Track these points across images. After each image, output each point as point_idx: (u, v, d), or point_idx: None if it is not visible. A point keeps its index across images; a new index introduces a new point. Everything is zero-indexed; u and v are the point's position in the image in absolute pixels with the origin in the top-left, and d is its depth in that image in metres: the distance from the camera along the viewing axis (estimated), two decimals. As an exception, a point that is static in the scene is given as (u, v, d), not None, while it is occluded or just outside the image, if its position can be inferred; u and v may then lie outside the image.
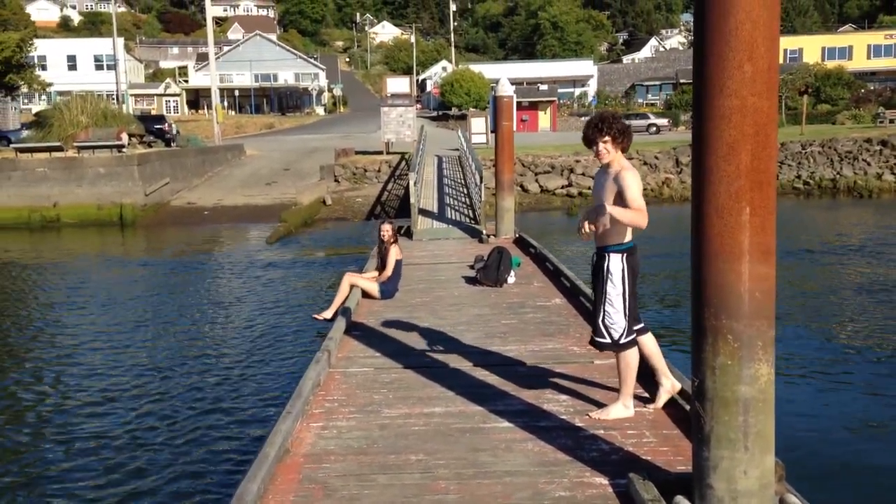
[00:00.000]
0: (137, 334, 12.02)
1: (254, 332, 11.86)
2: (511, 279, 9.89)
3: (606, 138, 4.82)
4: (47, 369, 10.35)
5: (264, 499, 4.09)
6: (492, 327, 7.70)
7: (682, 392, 5.16)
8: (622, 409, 5.05)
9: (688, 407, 4.86)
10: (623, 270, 4.85)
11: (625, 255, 4.86)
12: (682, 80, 70.50)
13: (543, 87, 62.78)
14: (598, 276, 4.94)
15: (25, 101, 49.10)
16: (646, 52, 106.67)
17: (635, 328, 4.99)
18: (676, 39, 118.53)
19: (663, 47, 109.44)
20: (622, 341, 4.90)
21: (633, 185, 4.67)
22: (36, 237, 24.78)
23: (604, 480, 4.15)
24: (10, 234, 24.78)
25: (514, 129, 16.09)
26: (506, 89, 14.35)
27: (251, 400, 8.79)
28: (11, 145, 31.26)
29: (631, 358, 4.97)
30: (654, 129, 48.20)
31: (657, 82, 78.73)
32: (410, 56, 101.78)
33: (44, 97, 55.78)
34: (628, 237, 4.90)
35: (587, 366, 6.28)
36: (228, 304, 14.19)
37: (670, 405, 5.20)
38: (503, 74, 18.88)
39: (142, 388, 9.31)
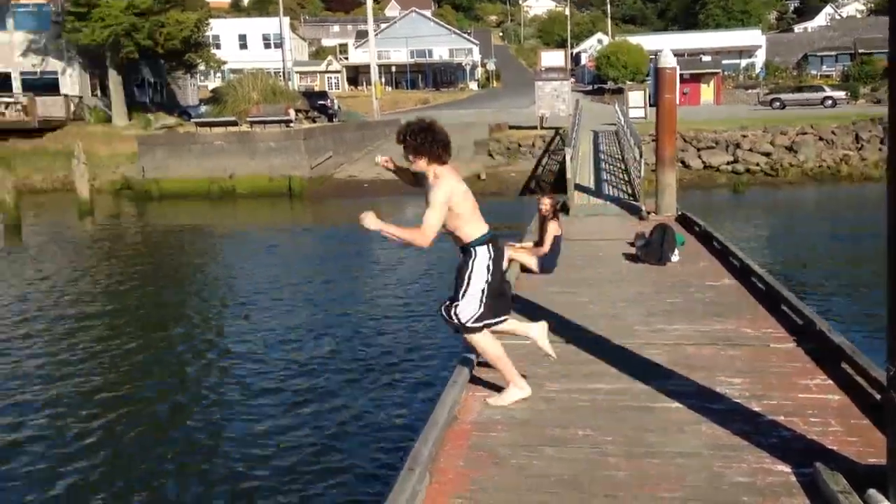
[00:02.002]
0: (305, 298, 12.66)
1: (412, 303, 12.19)
2: (675, 257, 9.60)
3: (409, 152, 4.67)
4: (225, 326, 11.12)
5: (436, 461, 4.23)
6: (656, 305, 7.52)
7: (873, 380, 4.84)
8: (517, 391, 5.04)
9: (878, 396, 4.57)
10: (488, 264, 4.79)
11: (488, 245, 4.79)
12: (861, 51, 65.26)
13: (706, 59, 60.05)
14: (462, 269, 4.85)
15: (202, 78, 52.45)
16: (819, 20, 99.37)
17: (490, 321, 4.87)
18: (854, 7, 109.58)
19: (839, 15, 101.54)
20: (468, 325, 4.79)
21: (435, 199, 4.55)
22: (215, 206, 26.56)
23: (786, 468, 3.98)
24: (193, 202, 26.71)
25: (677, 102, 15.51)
26: (668, 60, 13.86)
27: (413, 365, 9.06)
28: (192, 120, 33.60)
29: (483, 342, 4.88)
30: (830, 102, 45.04)
31: (832, 52, 73.34)
32: (564, 29, 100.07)
33: (218, 74, 59.37)
34: (483, 228, 4.81)
35: (761, 349, 6.01)
36: (388, 272, 14.66)
37: (860, 395, 4.89)
38: (663, 46, 18.21)
39: (314, 350, 9.82)
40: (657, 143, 14.39)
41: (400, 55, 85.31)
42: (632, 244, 10.22)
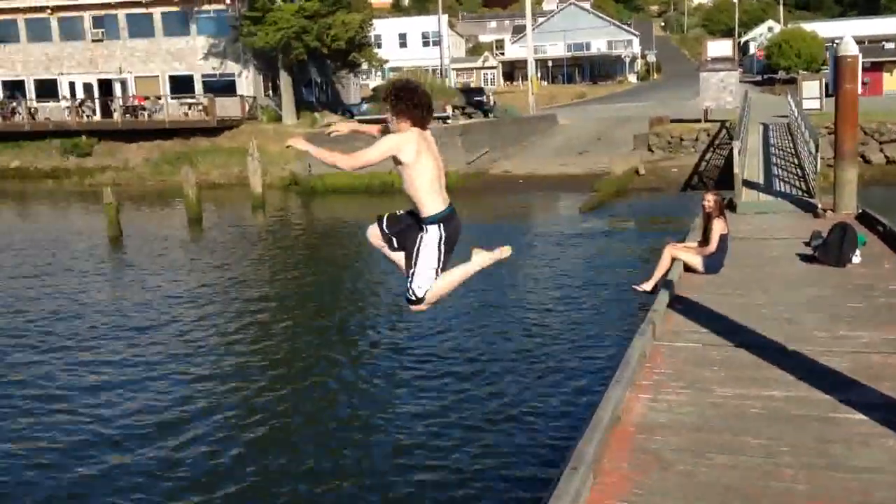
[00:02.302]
0: (462, 291, 12.82)
1: (571, 298, 12.07)
2: (856, 259, 8.93)
3: (393, 112, 4.54)
4: (382, 316, 11.47)
5: (600, 462, 4.16)
6: (836, 310, 7.03)
7: None
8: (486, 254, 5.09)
9: None
10: (440, 240, 4.71)
11: (441, 224, 4.66)
12: None
13: (889, 46, 55.38)
14: (415, 247, 4.74)
15: (364, 77, 54.28)
16: None
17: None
18: None
19: None
20: (423, 297, 4.79)
21: (384, 139, 4.47)
22: (374, 201, 27.45)
23: None
24: (354, 197, 27.75)
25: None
26: (850, 48, 12.90)
27: (573, 365, 8.98)
28: (355, 118, 34.90)
29: (438, 293, 4.90)
30: None
31: None
32: (732, 17, 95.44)
33: (378, 73, 61.26)
34: (437, 207, 4.59)
35: (959, 362, 5.49)
36: (543, 270, 14.59)
37: None
38: (842, 32, 16.96)
39: (471, 342, 9.94)
40: (836, 136, 13.43)
41: (557, 49, 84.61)
42: (807, 244, 9.61)
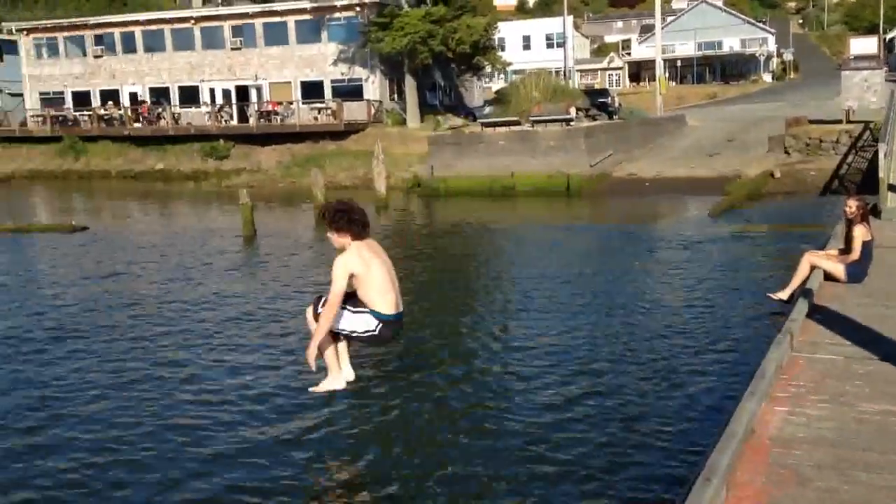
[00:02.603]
0: (584, 295, 12.67)
1: (699, 303, 11.69)
2: None
3: (332, 231, 5.70)
4: (505, 320, 11.49)
5: (734, 475, 4.02)
6: None
7: None
8: (332, 380, 6.08)
9: None
10: (369, 330, 5.69)
11: (381, 323, 5.67)
12: None
13: None
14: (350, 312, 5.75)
15: (486, 80, 54.53)
16: None
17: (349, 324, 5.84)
18: None
19: None
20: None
21: (334, 273, 5.58)
22: (495, 203, 27.57)
23: None
24: (475, 199, 27.95)
25: None
26: None
27: (701, 372, 8.69)
28: (478, 120, 35.13)
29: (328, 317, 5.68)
30: None
31: None
32: (876, 13, 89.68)
33: (501, 76, 61.39)
34: (386, 308, 5.71)
35: None
36: (670, 274, 14.20)
37: None
38: None
39: (594, 347, 9.81)
40: None
41: (686, 48, 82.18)
42: (963, 253, 8.93)
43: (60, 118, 45.50)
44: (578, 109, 34.72)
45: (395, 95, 43.13)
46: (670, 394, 8.11)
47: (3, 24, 51.56)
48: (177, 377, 9.11)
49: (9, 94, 49.98)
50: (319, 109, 41.78)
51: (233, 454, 6.96)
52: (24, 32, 47.67)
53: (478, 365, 9.51)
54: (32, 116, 46.73)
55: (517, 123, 31.40)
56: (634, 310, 11.66)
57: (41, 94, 47.55)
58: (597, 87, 66.09)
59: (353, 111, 40.67)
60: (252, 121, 41.59)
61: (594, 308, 11.93)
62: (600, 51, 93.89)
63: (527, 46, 76.05)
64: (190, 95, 44.73)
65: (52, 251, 19.18)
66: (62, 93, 47.14)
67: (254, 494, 6.25)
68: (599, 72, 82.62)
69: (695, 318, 10.95)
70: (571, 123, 30.70)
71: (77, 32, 46.85)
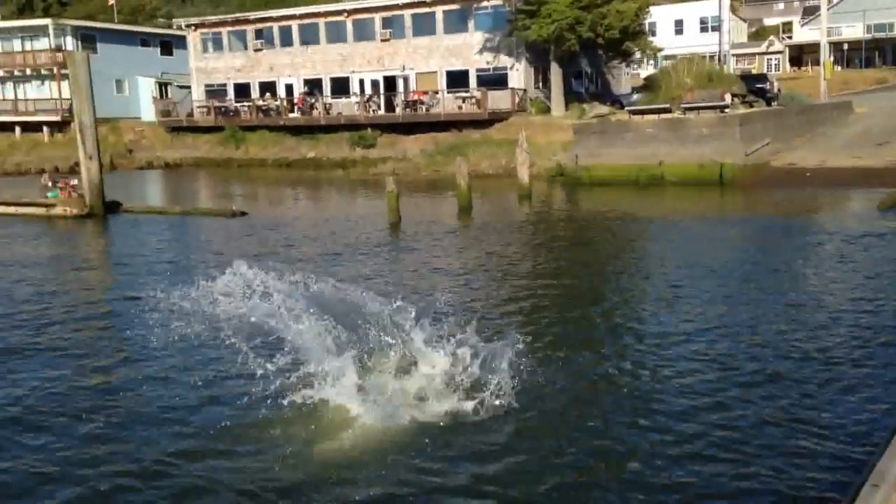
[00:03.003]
0: (734, 289, 12.07)
1: (865, 302, 10.88)
2: None
3: None
4: (648, 311, 11.12)
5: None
6: None
7: None
8: None
9: None
10: None
11: None
12: None
13: None
14: None
15: (635, 66, 53.02)
16: None
17: None
18: None
19: None
20: None
21: None
22: (642, 193, 26.80)
23: None
24: (620, 189, 27.29)
25: None
26: None
27: (865, 374, 8.09)
28: (625, 108, 34.26)
29: None
30: None
31: None
32: None
33: (650, 62, 59.56)
34: None
35: None
36: (833, 270, 13.29)
37: None
38: None
39: (750, 346, 9.34)
40: None
41: (854, 31, 76.53)
42: None
43: (223, 109, 48.34)
44: (734, 96, 33.08)
45: (540, 83, 42.80)
46: (830, 395, 7.61)
47: (174, 20, 55.36)
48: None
49: (178, 86, 53.66)
50: (464, 98, 42.10)
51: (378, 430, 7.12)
52: (192, 28, 50.92)
53: (622, 361, 9.26)
54: (198, 107, 49.90)
55: (667, 111, 30.36)
56: (795, 306, 11.01)
57: (206, 86, 50.66)
58: (754, 72, 62.82)
59: (497, 100, 40.70)
60: (398, 110, 42.53)
61: (750, 303, 11.36)
62: (758, 34, 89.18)
63: (679, 31, 73.31)
64: (341, 86, 46.31)
65: (214, 233, 20.41)
66: (225, 85, 50.02)
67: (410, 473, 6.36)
68: (757, 56, 78.48)
69: (862, 317, 10.19)
70: (726, 110, 29.33)
71: (239, 27, 49.54)
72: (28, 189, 28.16)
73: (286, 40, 47.95)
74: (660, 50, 45.25)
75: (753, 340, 9.51)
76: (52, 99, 50.48)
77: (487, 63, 42.40)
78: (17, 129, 51.09)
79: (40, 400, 8.30)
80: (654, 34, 54.50)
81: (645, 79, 45.72)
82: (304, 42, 47.38)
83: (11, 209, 24.55)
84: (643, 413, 7.48)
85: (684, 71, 36.14)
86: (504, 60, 41.93)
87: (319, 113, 44.94)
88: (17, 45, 52.77)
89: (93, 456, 6.96)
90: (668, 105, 31.26)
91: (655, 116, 29.75)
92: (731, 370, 8.49)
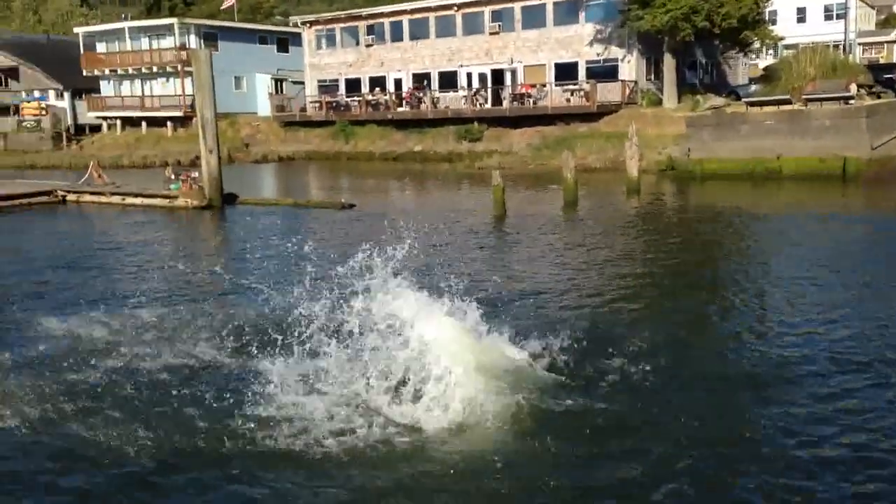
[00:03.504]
0: (848, 296, 11.46)
1: None
2: None
3: None
4: (756, 308, 10.68)
5: None
6: None
7: None
8: None
9: None
10: None
11: None
12: None
13: None
14: None
15: (753, 56, 50.94)
16: None
17: None
18: None
19: None
20: None
21: None
22: (756, 188, 25.78)
23: None
24: (733, 184, 26.34)
25: None
26: None
27: None
28: (742, 99, 33.00)
29: None
30: None
31: None
32: None
33: (770, 51, 57.13)
34: None
35: None
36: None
37: None
38: None
39: (871, 346, 8.87)
40: None
41: None
42: None
43: (334, 104, 49.57)
44: (860, 86, 31.32)
45: (652, 75, 41.78)
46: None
47: (290, 17, 57.13)
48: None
49: (292, 82, 55.40)
50: (572, 91, 41.59)
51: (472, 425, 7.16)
52: (308, 25, 52.42)
53: (727, 360, 8.96)
54: (311, 102, 51.35)
55: (787, 102, 29.05)
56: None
57: (319, 81, 52.07)
58: (882, 61, 59.24)
59: (607, 92, 40.01)
60: (505, 103, 42.44)
61: (870, 306, 10.74)
62: (888, 22, 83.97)
63: (801, 19, 69.92)
64: (448, 80, 46.62)
65: (324, 224, 20.98)
66: (337, 80, 51.26)
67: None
68: (886, 45, 73.89)
69: None
70: (851, 102, 27.80)
71: (352, 24, 50.63)
72: (152, 181, 29.75)
73: (396, 35, 48.65)
74: (780, 39, 43.24)
75: (869, 347, 9.00)
76: (175, 95, 53.12)
77: (598, 55, 41.72)
78: (144, 123, 54.05)
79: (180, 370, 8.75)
80: (774, 23, 52.14)
81: (764, 69, 43.90)
82: (414, 37, 47.94)
83: (138, 200, 26.00)
84: (747, 406, 7.23)
85: (806, 61, 34.49)
86: (615, 52, 41.15)
87: (427, 107, 45.40)
88: (144, 43, 55.75)
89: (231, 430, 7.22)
90: (788, 96, 29.92)
91: (774, 108, 28.52)
92: (861, 373, 8.07)
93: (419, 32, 47.75)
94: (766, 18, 42.05)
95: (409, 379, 7.60)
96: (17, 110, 59.10)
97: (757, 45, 41.89)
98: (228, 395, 7.83)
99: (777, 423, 7.02)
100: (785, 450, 6.53)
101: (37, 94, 60.18)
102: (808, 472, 6.16)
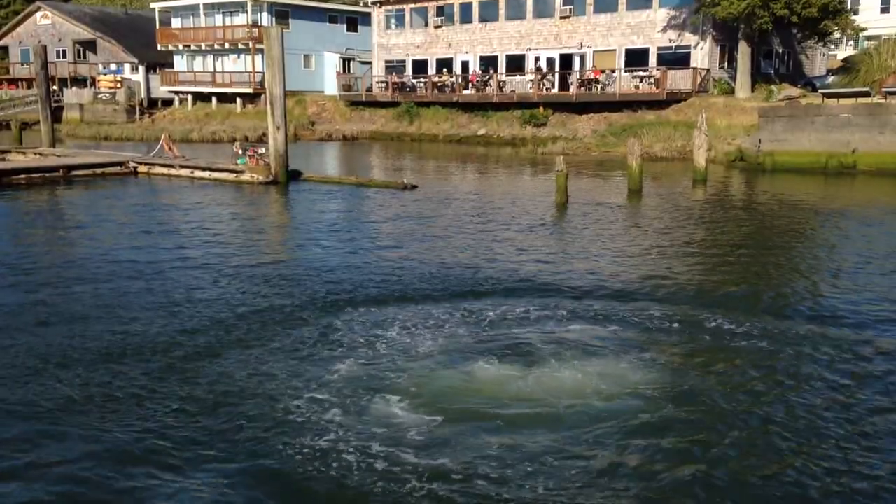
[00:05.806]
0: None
1: None
2: None
3: None
4: (822, 306, 10.39)
5: None
6: None
7: None
8: None
9: None
10: None
11: None
12: None
13: None
14: None
15: (832, 46, 49.19)
16: None
17: None
18: None
19: None
20: None
21: None
22: (829, 182, 24.99)
23: None
24: (805, 177, 25.58)
25: None
26: None
27: None
28: (818, 91, 31.95)
29: None
30: None
31: None
32: None
33: (850, 42, 55.12)
34: None
35: None
36: None
37: None
38: None
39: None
40: None
41: None
42: None
43: (400, 85, 49.75)
44: (946, 80, 30.00)
45: (725, 63, 40.75)
46: None
47: (360, -2, 57.36)
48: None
49: (360, 62, 55.76)
50: (641, 78, 40.88)
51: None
52: (378, 5, 52.61)
53: (791, 359, 8.75)
54: (377, 83, 51.62)
55: (866, 95, 28.04)
56: None
57: (386, 62, 52.30)
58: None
59: (677, 80, 39.22)
60: (573, 89, 41.95)
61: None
62: (981, 12, 79.89)
63: (885, 9, 67.10)
64: (516, 64, 46.28)
65: (386, 204, 21.13)
66: (404, 61, 51.40)
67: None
68: (978, 37, 70.46)
69: None
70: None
71: (422, 4, 50.61)
72: (220, 156, 30.38)
73: (466, 17, 48.46)
74: (863, 30, 41.67)
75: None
76: (246, 72, 54.04)
77: (670, 41, 40.87)
78: (214, 99, 55.19)
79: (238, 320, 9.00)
80: (855, 12, 50.28)
81: (843, 60, 42.36)
82: (483, 19, 47.68)
83: (206, 174, 26.61)
84: (813, 407, 7.05)
85: (889, 52, 33.14)
86: (688, 39, 40.25)
87: (493, 90, 45.20)
88: (218, 20, 56.77)
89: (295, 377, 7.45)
90: (867, 89, 28.85)
91: (852, 101, 27.55)
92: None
93: (488, 15, 47.46)
94: (848, 7, 40.53)
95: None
96: (93, 82, 61.01)
97: (837, 35, 40.45)
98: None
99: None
100: None
101: (113, 66, 62.00)
102: None
